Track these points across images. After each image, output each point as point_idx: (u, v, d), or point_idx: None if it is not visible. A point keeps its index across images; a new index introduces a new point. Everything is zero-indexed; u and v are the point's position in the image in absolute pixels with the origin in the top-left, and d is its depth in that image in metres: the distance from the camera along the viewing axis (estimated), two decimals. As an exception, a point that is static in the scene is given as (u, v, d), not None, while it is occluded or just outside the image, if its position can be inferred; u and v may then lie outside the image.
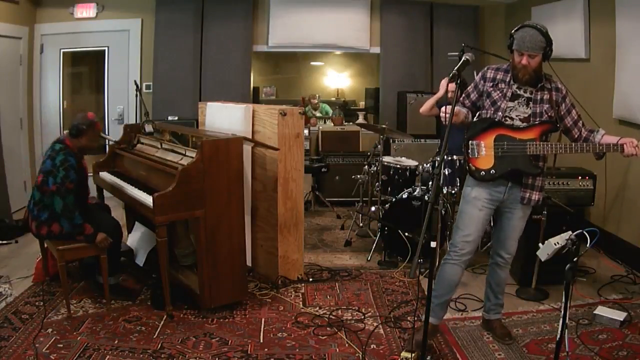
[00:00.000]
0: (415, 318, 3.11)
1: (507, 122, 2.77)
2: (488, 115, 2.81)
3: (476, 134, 2.80)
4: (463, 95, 2.95)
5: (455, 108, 2.70)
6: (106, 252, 3.48)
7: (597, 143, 2.69)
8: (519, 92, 2.76)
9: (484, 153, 2.79)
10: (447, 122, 2.55)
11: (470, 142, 2.81)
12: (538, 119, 2.72)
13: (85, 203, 3.48)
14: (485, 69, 2.88)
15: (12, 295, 3.49)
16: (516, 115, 2.76)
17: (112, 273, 3.54)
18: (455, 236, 2.86)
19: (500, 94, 2.78)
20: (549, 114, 2.72)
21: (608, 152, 2.70)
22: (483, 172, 2.77)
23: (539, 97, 2.73)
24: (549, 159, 2.96)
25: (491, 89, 2.81)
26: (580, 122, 2.78)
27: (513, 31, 2.69)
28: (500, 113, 2.77)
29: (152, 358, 2.77)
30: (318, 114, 7.41)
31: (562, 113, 2.76)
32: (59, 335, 2.98)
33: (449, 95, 2.47)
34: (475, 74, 2.99)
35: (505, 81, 2.79)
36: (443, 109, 2.77)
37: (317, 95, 7.48)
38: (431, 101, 4.22)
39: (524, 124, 2.75)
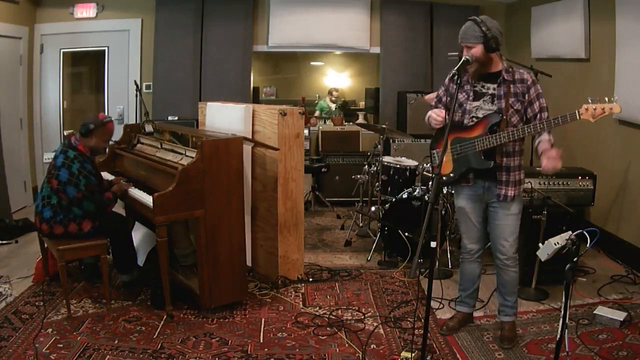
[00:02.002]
0: (415, 318, 3.11)
1: (471, 123, 2.81)
2: (458, 118, 2.85)
3: (437, 142, 2.95)
4: (435, 99, 3.02)
5: (440, 110, 2.85)
6: (114, 249, 3.52)
7: (535, 146, 2.76)
8: (483, 90, 2.79)
9: (444, 159, 2.83)
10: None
11: (431, 151, 3.01)
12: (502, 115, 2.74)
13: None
14: (454, 70, 2.89)
15: (12, 295, 3.49)
16: (482, 114, 2.78)
17: (127, 271, 3.56)
18: (462, 240, 3.11)
19: (465, 96, 2.82)
20: (515, 107, 2.72)
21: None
22: (444, 177, 2.89)
23: (502, 92, 2.74)
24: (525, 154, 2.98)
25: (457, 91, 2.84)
26: (541, 114, 2.72)
27: None
28: (467, 115, 2.81)
29: (152, 358, 2.77)
30: (334, 107, 7.48)
31: (525, 104, 2.74)
32: (59, 335, 2.98)
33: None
34: None
35: (469, 82, 2.82)
36: (430, 112, 2.87)
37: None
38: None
39: (473, 122, 2.79)
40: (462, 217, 3.00)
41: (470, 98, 2.81)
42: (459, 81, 2.59)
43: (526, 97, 2.73)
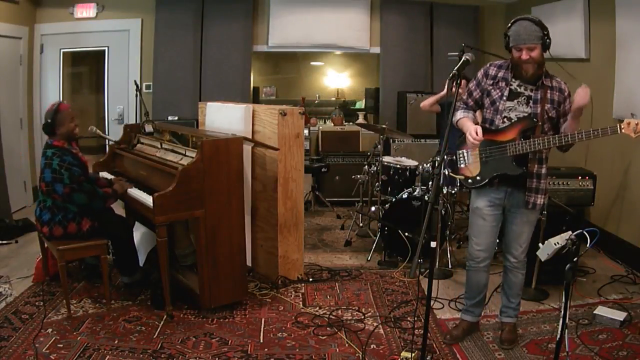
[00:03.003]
0: (415, 318, 3.11)
1: (502, 124, 2.73)
2: (488, 116, 2.79)
3: (464, 142, 2.82)
4: (466, 94, 2.93)
5: (477, 129, 2.67)
6: (116, 252, 3.52)
7: (564, 132, 2.62)
8: (519, 89, 2.71)
9: (471, 160, 2.80)
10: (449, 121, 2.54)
11: (458, 152, 2.87)
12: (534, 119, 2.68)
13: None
14: (488, 65, 2.83)
15: (12, 295, 3.49)
16: (515, 115, 2.70)
17: (129, 273, 3.55)
18: (469, 246, 2.98)
19: (499, 93, 2.74)
20: (550, 114, 2.66)
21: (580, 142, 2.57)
22: (470, 180, 2.81)
23: (539, 96, 2.66)
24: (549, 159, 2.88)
25: (491, 87, 2.77)
26: None
27: (506, 29, 2.66)
28: (498, 115, 2.74)
29: (152, 358, 2.77)
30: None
31: (559, 113, 2.70)
32: (59, 335, 2.98)
33: (452, 92, 2.45)
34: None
35: (505, 79, 2.74)
36: (469, 132, 2.67)
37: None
38: (434, 98, 4.39)
39: (505, 124, 2.71)
40: (477, 218, 2.88)
41: (504, 97, 2.72)
42: (459, 81, 2.56)
43: (562, 107, 2.68)
